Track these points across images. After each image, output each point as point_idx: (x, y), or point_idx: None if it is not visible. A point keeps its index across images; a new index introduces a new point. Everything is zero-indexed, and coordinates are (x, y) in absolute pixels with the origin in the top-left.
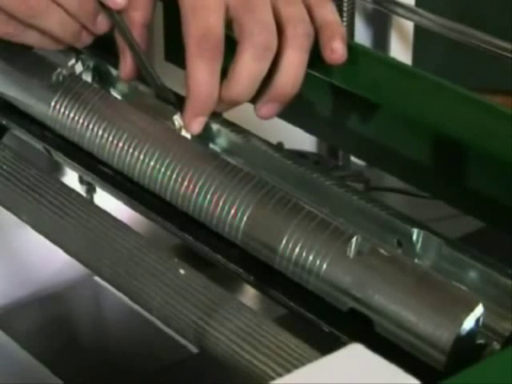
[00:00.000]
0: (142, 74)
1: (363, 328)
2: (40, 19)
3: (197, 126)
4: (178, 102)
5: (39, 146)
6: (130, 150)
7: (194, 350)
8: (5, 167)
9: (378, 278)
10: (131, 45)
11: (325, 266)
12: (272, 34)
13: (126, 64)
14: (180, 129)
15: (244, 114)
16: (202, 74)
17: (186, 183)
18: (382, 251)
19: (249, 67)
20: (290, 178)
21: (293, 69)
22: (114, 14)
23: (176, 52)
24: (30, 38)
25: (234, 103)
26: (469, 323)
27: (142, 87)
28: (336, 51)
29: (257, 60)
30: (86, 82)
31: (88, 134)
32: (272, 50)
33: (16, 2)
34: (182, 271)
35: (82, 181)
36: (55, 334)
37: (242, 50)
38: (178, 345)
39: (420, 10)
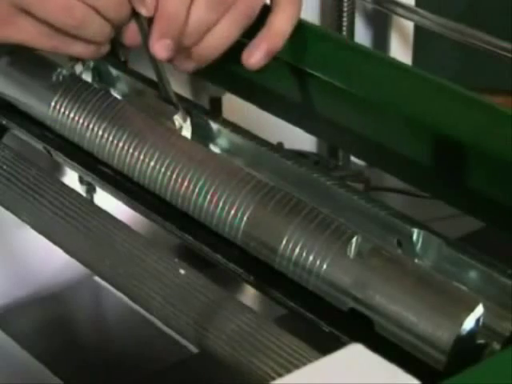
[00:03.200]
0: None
1: (363, 328)
2: (84, 29)
3: (162, 49)
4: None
5: (39, 146)
6: (130, 150)
7: (194, 350)
8: (5, 167)
9: (378, 278)
10: (158, 69)
11: (325, 266)
12: None
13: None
14: (180, 129)
15: (244, 115)
16: None
17: (185, 183)
18: (383, 251)
19: (200, 16)
20: (291, 178)
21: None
22: (142, 22)
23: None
24: (76, 49)
25: (197, 56)
26: (469, 323)
27: (142, 87)
28: (253, 58)
29: (209, 11)
30: (86, 82)
31: (88, 134)
32: (226, 4)
33: (62, 14)
34: (182, 271)
35: (82, 181)
36: (55, 334)
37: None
38: (178, 345)
39: (420, 10)
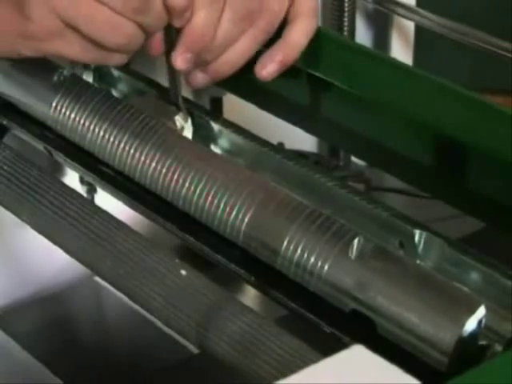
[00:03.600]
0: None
1: (365, 329)
2: (130, 46)
3: (183, 61)
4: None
5: (40, 146)
6: (131, 151)
7: (194, 350)
8: (5, 167)
9: (380, 279)
10: (173, 76)
11: (327, 267)
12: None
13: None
14: (181, 129)
15: (245, 115)
16: (202, 16)
17: (187, 184)
18: (384, 252)
19: (225, 32)
20: (292, 179)
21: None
22: (171, 32)
23: None
24: (113, 60)
25: (213, 71)
26: (471, 325)
27: (143, 88)
28: (265, 70)
29: (234, 28)
30: (87, 83)
31: (89, 134)
32: (249, 21)
33: (110, 33)
34: (183, 272)
35: (82, 181)
36: (55, 334)
37: (223, 12)
38: (178, 345)
39: (421, 10)
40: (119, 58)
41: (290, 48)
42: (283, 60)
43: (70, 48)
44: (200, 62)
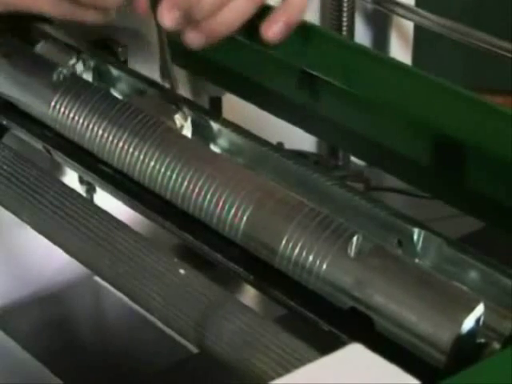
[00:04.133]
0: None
1: (363, 327)
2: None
3: (169, 18)
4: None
5: (39, 145)
6: (130, 150)
7: (194, 350)
8: (5, 167)
9: (379, 277)
10: (161, 40)
11: (325, 265)
12: None
13: None
14: (181, 128)
15: (244, 114)
16: None
17: (186, 183)
18: (383, 251)
19: None
20: (291, 178)
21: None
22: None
23: (177, 52)
24: (88, 17)
25: (209, 31)
26: (469, 323)
27: (143, 87)
28: (271, 31)
29: None
30: (86, 82)
31: (88, 133)
32: None
33: None
34: (181, 271)
35: (82, 181)
36: (55, 333)
37: None
38: (178, 345)
39: (420, 10)
40: (93, 15)
41: (293, 8)
42: (287, 20)
43: (39, 1)
44: (192, 21)
